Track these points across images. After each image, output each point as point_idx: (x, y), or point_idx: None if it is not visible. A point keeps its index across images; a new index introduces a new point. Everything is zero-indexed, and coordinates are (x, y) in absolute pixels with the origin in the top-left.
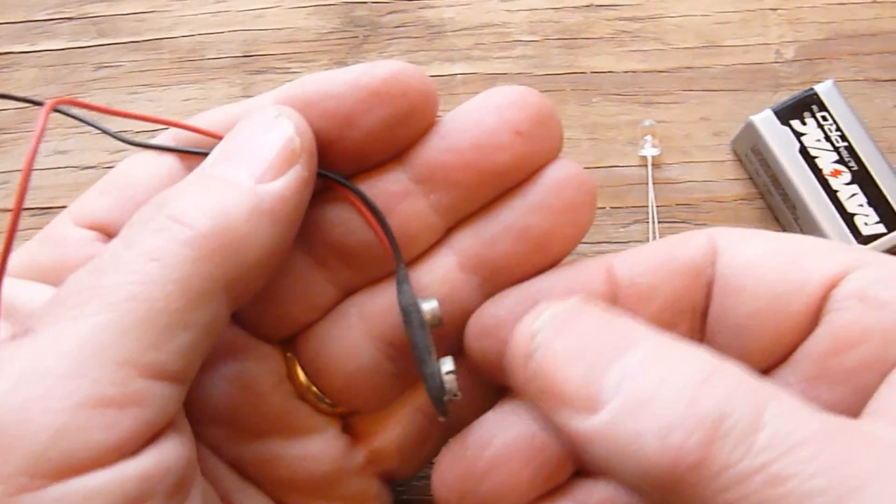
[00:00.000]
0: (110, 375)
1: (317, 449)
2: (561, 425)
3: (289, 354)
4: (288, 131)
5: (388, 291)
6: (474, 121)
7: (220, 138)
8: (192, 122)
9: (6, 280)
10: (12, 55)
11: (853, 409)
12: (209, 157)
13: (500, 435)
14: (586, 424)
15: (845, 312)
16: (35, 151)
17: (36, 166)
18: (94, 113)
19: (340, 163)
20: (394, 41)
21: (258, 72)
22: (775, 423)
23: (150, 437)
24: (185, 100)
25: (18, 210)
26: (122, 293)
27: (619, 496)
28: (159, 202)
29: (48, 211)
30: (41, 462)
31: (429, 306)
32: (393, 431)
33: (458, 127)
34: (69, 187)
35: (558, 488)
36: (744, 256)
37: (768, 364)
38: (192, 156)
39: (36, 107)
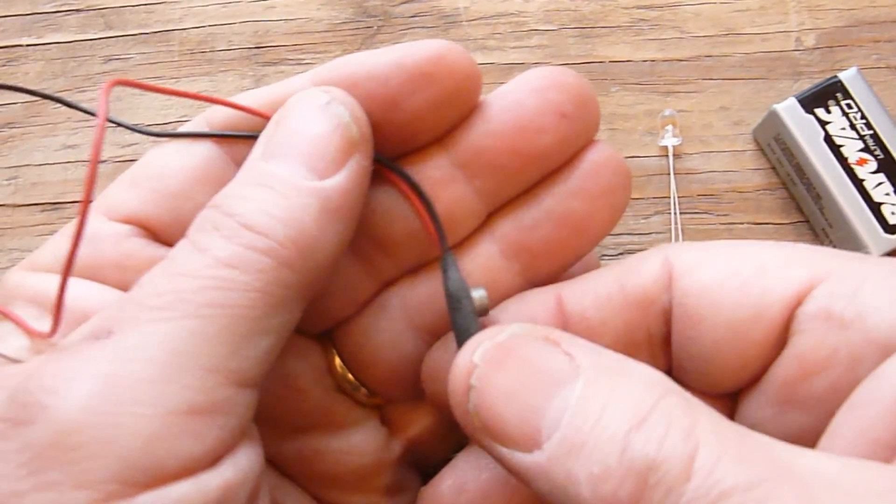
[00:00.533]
0: (199, 382)
1: (358, 441)
2: (503, 461)
3: (329, 347)
4: (343, 118)
5: (428, 281)
6: (516, 103)
7: (268, 118)
8: (236, 101)
9: (41, 275)
10: (19, 48)
11: (822, 431)
12: (258, 148)
13: (474, 478)
14: (527, 461)
15: (810, 334)
16: (101, 136)
17: (45, 161)
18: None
19: (383, 147)
20: (408, 31)
21: (269, 63)
22: (703, 471)
23: (230, 446)
24: (197, 91)
25: (87, 202)
26: (204, 298)
27: None
28: (224, 206)
29: (58, 206)
30: (133, 470)
31: (478, 294)
32: (428, 419)
33: (500, 109)
34: (79, 182)
35: None
36: (700, 282)
37: (736, 387)
38: (235, 141)
39: (44, 101)
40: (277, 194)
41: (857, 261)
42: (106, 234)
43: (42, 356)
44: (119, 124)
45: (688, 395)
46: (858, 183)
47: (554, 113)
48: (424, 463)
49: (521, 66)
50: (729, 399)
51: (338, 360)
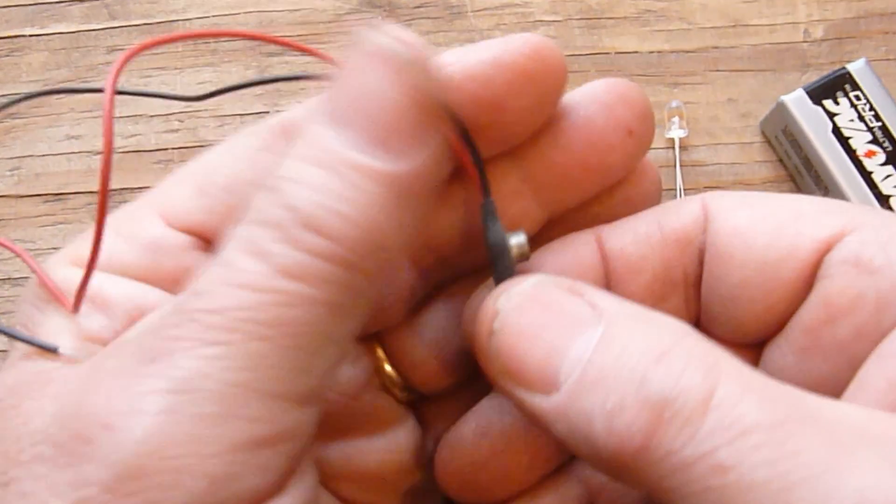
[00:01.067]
0: (265, 412)
1: (400, 440)
2: (523, 404)
3: (375, 348)
4: (425, 83)
5: (475, 279)
6: (586, 119)
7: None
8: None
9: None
10: (22, 38)
11: (846, 381)
12: (319, 116)
13: (497, 422)
14: (544, 404)
15: (838, 278)
16: (111, 109)
17: (48, 152)
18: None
19: (487, 150)
20: (413, 22)
21: (274, 54)
22: (724, 406)
23: (296, 469)
24: (199, 83)
25: (105, 193)
26: (267, 317)
27: None
28: (282, 191)
29: (62, 197)
30: None
31: (517, 241)
32: (460, 412)
33: (570, 125)
34: (82, 173)
35: (560, 468)
36: (734, 222)
37: (762, 334)
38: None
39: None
40: (344, 182)
41: (892, 217)
42: (167, 244)
43: (98, 365)
44: (152, 95)
45: (710, 341)
46: (867, 175)
47: (622, 130)
48: None
49: None
50: (753, 351)
51: (386, 362)
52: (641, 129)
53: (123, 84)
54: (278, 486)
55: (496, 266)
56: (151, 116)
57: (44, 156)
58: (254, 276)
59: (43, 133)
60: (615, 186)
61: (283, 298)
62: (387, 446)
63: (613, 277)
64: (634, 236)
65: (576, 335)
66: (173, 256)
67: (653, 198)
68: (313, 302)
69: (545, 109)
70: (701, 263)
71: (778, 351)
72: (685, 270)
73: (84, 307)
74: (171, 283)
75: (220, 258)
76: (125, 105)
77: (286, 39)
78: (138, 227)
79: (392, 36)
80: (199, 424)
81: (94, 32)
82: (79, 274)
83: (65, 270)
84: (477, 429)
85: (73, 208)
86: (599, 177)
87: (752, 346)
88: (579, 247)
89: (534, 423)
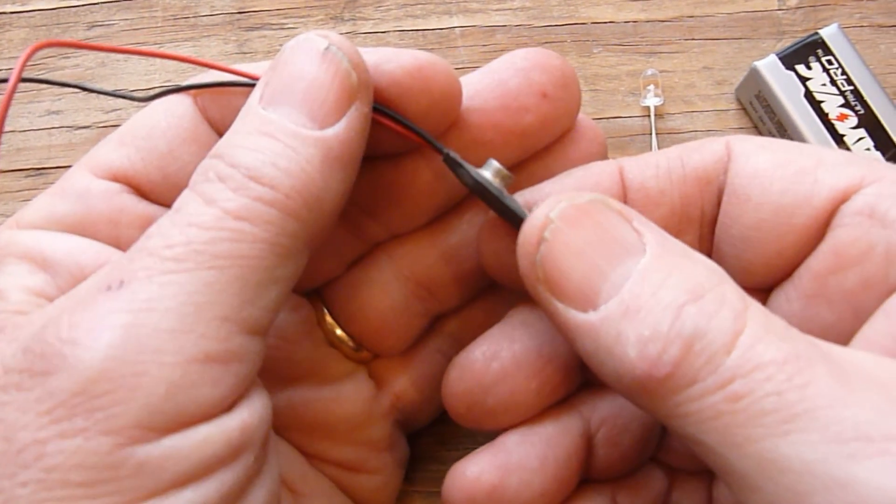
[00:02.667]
0: (215, 331)
1: (348, 392)
2: (555, 315)
3: (318, 302)
4: (343, 65)
5: (414, 238)
6: (500, 82)
7: (254, 78)
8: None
9: (30, 232)
10: (3, 15)
11: (850, 331)
12: (256, 92)
13: (508, 347)
14: (580, 319)
15: (851, 228)
16: (9, 100)
17: (29, 127)
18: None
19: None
20: None
21: (252, 28)
22: (746, 345)
23: (244, 391)
24: None
25: None
26: (217, 250)
27: (624, 409)
28: (227, 155)
29: (42, 172)
30: (155, 416)
31: (490, 170)
32: (415, 374)
33: (485, 87)
34: (63, 147)
35: (565, 400)
36: (755, 165)
37: (771, 279)
38: (225, 91)
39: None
40: (280, 144)
41: None
42: (97, 191)
43: (50, 307)
44: (101, 92)
45: (742, 290)
46: (839, 138)
47: (536, 93)
48: (410, 425)
49: (504, 27)
50: (760, 296)
51: (327, 314)
52: (558, 93)
53: (104, 59)
54: (229, 404)
55: (497, 200)
56: (132, 90)
57: (25, 131)
58: (203, 217)
59: (24, 108)
60: (553, 146)
61: (230, 235)
62: (333, 396)
63: (631, 208)
64: (656, 170)
65: (620, 259)
66: (103, 201)
67: (595, 157)
68: (256, 239)
69: (441, 117)
70: (719, 203)
71: (784, 297)
72: (703, 208)
73: (28, 266)
74: (107, 223)
75: (170, 212)
76: (105, 80)
77: (204, 60)
78: (68, 182)
79: (320, 34)
80: (158, 337)
81: (74, 9)
82: (19, 234)
83: (8, 233)
84: (488, 351)
85: (55, 182)
86: (517, 138)
87: (760, 290)
88: (601, 174)
89: (562, 333)
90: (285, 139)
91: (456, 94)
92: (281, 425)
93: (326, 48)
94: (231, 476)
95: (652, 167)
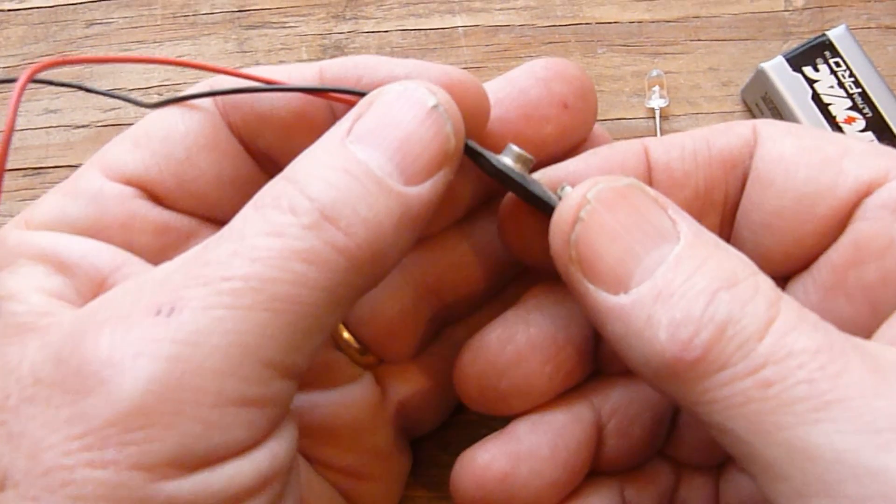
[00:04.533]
0: (258, 376)
1: (354, 396)
2: (585, 296)
3: None
4: (445, 128)
5: (426, 244)
6: (522, 92)
7: (265, 81)
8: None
9: (42, 233)
10: (1, 13)
11: (868, 326)
12: (344, 123)
13: (523, 331)
14: (610, 301)
15: (873, 222)
16: (13, 122)
17: (27, 126)
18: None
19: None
20: None
21: (253, 26)
22: (779, 332)
23: (276, 429)
24: (178, 56)
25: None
26: (277, 291)
27: (635, 400)
28: (302, 182)
29: (40, 171)
30: (187, 455)
31: (511, 155)
32: (420, 381)
33: (506, 97)
34: (61, 147)
35: (576, 389)
36: (780, 150)
37: (789, 268)
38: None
39: (24, 65)
40: (364, 189)
41: None
42: (110, 194)
43: (82, 313)
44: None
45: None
46: None
47: (557, 104)
48: (414, 432)
49: (507, 27)
50: (778, 285)
51: None
52: (578, 104)
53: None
54: (258, 442)
55: (514, 188)
56: (130, 90)
57: (22, 129)
58: (268, 253)
59: (22, 107)
60: (567, 155)
61: (292, 277)
62: (339, 400)
63: (656, 189)
64: (682, 151)
65: (655, 245)
66: (117, 205)
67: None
68: (317, 286)
69: (469, 133)
70: (743, 188)
71: (802, 288)
72: (727, 192)
73: (44, 268)
74: (120, 227)
75: (231, 234)
76: (104, 79)
77: (208, 65)
78: (80, 183)
79: (431, 89)
80: (202, 375)
81: (72, 6)
82: (31, 235)
83: (18, 233)
84: (502, 335)
85: (52, 182)
86: (535, 147)
87: (777, 279)
88: (627, 154)
89: (591, 316)
90: (369, 185)
91: (485, 113)
92: None
93: (434, 106)
94: None
95: (678, 148)
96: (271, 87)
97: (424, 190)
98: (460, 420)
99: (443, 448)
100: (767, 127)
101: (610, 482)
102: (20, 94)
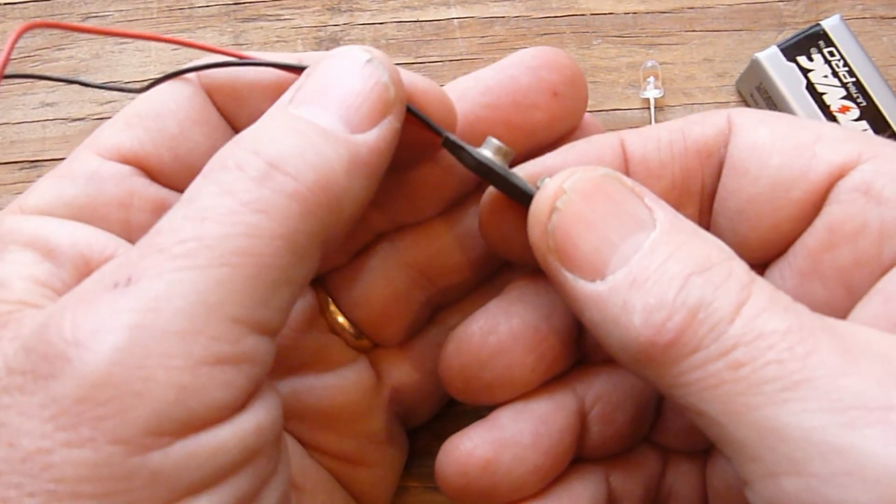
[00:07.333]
0: (226, 333)
1: (349, 380)
2: (563, 284)
3: (321, 290)
4: (382, 78)
5: (418, 228)
6: (512, 79)
7: (243, 58)
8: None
9: (34, 219)
10: None
11: (843, 308)
12: (287, 94)
13: (505, 322)
14: (587, 289)
15: (845, 205)
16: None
17: (23, 119)
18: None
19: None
20: None
21: (248, 19)
22: (750, 314)
23: (257, 391)
24: (174, 49)
25: None
26: (231, 246)
27: (618, 387)
28: (250, 143)
29: (37, 164)
30: (166, 421)
31: (490, 148)
32: (414, 365)
33: (496, 84)
34: (58, 140)
35: (560, 377)
36: (754, 138)
37: (766, 255)
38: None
39: (22, 59)
40: (308, 140)
41: None
42: (107, 173)
43: (55, 303)
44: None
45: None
46: None
47: (547, 91)
48: (410, 419)
49: (502, 19)
50: (756, 272)
51: (331, 302)
52: (568, 92)
53: (98, 50)
54: (241, 405)
55: (494, 181)
56: (127, 82)
57: (19, 123)
58: (218, 210)
59: (18, 100)
60: (559, 143)
61: (245, 230)
62: (335, 383)
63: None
64: (658, 143)
65: (630, 233)
66: (114, 183)
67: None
68: (273, 235)
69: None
70: (719, 177)
71: (779, 274)
72: (703, 182)
73: (33, 254)
74: (118, 207)
75: (182, 202)
76: (100, 72)
77: (206, 45)
78: (75, 165)
79: (364, 49)
80: (167, 339)
81: (68, 0)
82: (23, 220)
83: (11, 218)
84: (485, 325)
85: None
86: (525, 135)
87: (755, 266)
88: (603, 147)
89: (570, 304)
90: (314, 136)
91: (452, 117)
92: (283, 415)
93: (369, 60)
94: (246, 481)
95: (653, 140)
96: (247, 62)
97: (371, 137)
98: (456, 411)
99: (438, 438)
100: (742, 116)
101: (595, 468)
102: (13, 45)
